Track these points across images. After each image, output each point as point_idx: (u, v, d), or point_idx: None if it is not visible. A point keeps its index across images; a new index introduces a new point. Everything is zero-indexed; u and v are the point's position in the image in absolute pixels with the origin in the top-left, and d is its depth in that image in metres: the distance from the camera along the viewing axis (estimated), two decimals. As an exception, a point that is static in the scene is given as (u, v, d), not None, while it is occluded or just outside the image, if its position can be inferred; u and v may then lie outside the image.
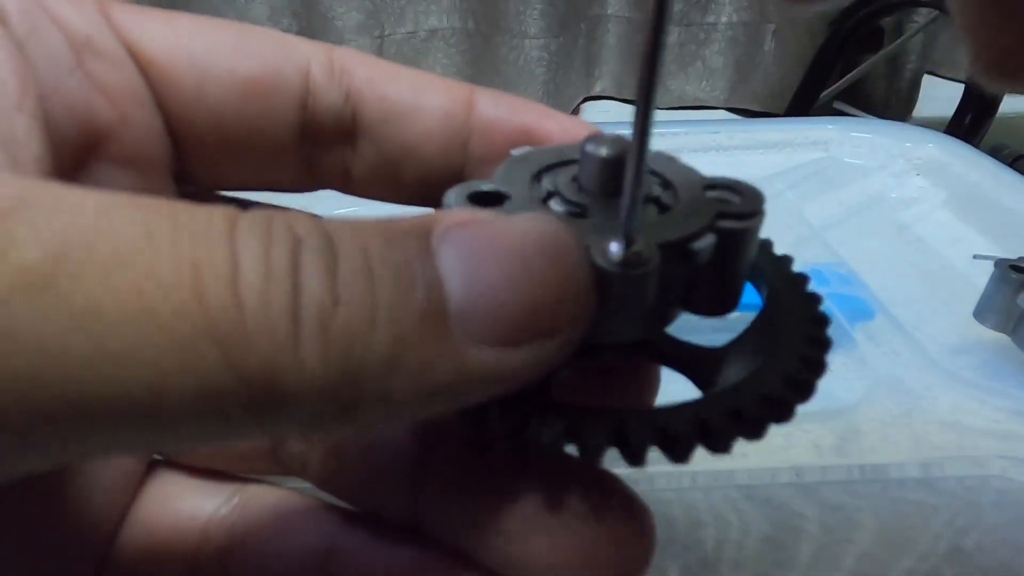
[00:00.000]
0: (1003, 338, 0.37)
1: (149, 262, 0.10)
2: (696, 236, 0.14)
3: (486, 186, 0.15)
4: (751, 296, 0.16)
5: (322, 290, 0.11)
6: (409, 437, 0.16)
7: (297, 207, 0.13)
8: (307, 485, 0.18)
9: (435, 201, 0.18)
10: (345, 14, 0.90)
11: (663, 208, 0.15)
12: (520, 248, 0.12)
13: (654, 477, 0.28)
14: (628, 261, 0.13)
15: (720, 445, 0.13)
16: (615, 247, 0.13)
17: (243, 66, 0.17)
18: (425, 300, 0.11)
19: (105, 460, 0.17)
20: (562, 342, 0.12)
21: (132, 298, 0.10)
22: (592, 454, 0.13)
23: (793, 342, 0.14)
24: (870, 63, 1.14)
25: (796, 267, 0.17)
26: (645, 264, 0.13)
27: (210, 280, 0.10)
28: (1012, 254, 0.38)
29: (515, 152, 0.16)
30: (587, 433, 0.13)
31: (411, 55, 0.95)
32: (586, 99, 1.10)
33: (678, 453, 0.13)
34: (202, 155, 0.17)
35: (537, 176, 0.15)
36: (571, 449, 0.13)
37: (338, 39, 0.91)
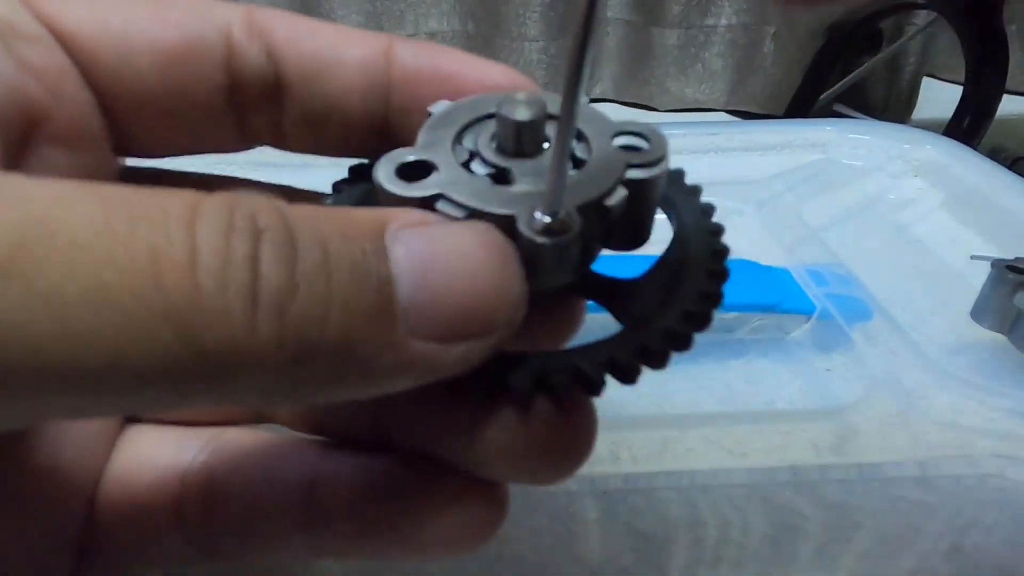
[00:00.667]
0: (1000, 338, 0.37)
1: (107, 249, 0.11)
2: (609, 193, 0.15)
3: (412, 156, 0.16)
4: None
5: (281, 278, 0.12)
6: None
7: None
8: (283, 429, 0.19)
9: (363, 152, 0.19)
10: (345, 17, 0.90)
11: (577, 163, 0.16)
12: (463, 258, 0.13)
13: (653, 477, 0.28)
14: (553, 230, 0.14)
15: (628, 378, 0.15)
16: (540, 217, 0.14)
17: (164, 35, 0.17)
18: (376, 295, 0.13)
19: (67, 421, 0.17)
20: (494, 341, 0.14)
21: (91, 283, 0.10)
22: (522, 396, 0.15)
23: (695, 276, 0.16)
24: (869, 65, 1.14)
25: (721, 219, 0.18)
26: (569, 231, 0.14)
27: (167, 265, 0.11)
28: (1010, 255, 0.38)
29: (434, 109, 0.17)
30: (515, 378, 0.15)
31: (411, 57, 0.95)
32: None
33: (593, 389, 0.15)
34: (136, 126, 0.18)
35: (459, 137, 0.16)
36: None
37: (338, 41, 0.91)
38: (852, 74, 1.13)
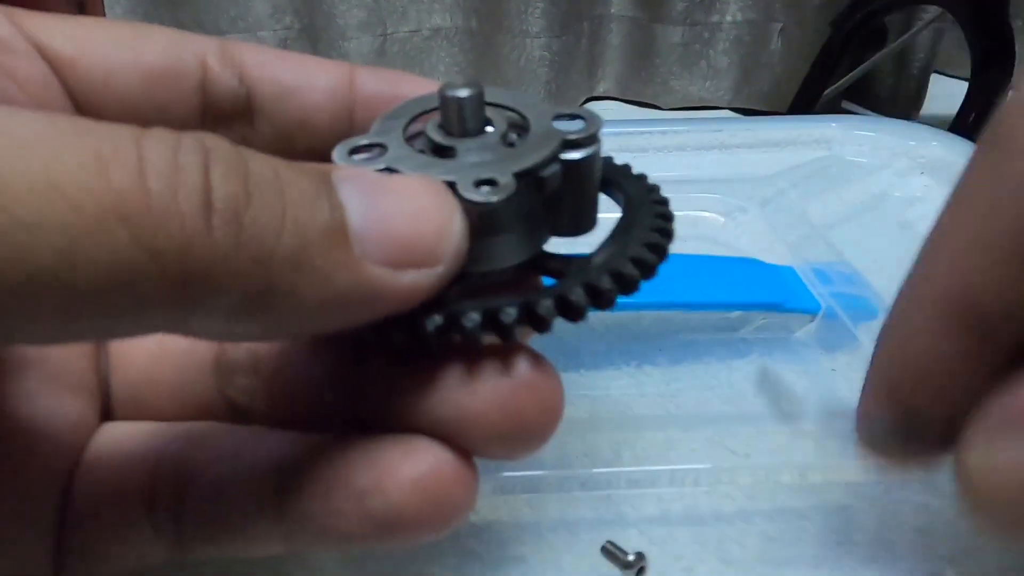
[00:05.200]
0: (1007, 337, 0.36)
1: (54, 149, 0.11)
2: (544, 165, 0.16)
3: (365, 139, 0.17)
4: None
5: (234, 188, 0.12)
6: (338, 349, 0.18)
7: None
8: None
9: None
10: (347, 12, 0.90)
11: (516, 144, 0.17)
12: (407, 193, 0.15)
13: (655, 476, 0.28)
14: (489, 190, 0.16)
15: (577, 317, 0.16)
16: (477, 180, 0.16)
17: (145, 56, 0.19)
18: (329, 216, 0.13)
19: (31, 345, 0.18)
20: (442, 271, 0.15)
21: (39, 177, 0.11)
22: (473, 333, 0.16)
23: (642, 233, 0.17)
24: (874, 60, 1.14)
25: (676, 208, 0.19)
26: (503, 190, 0.16)
27: (115, 167, 0.11)
28: (1017, 253, 0.37)
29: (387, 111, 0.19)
30: (466, 316, 0.15)
31: (413, 53, 0.95)
32: (589, 99, 1.10)
33: (542, 326, 0.16)
34: None
35: (407, 125, 0.18)
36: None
37: (340, 37, 0.91)
38: (856, 70, 1.12)
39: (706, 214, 0.47)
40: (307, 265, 0.13)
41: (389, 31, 0.93)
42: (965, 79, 0.94)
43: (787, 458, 0.29)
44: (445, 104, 0.17)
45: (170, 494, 0.18)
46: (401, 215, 0.14)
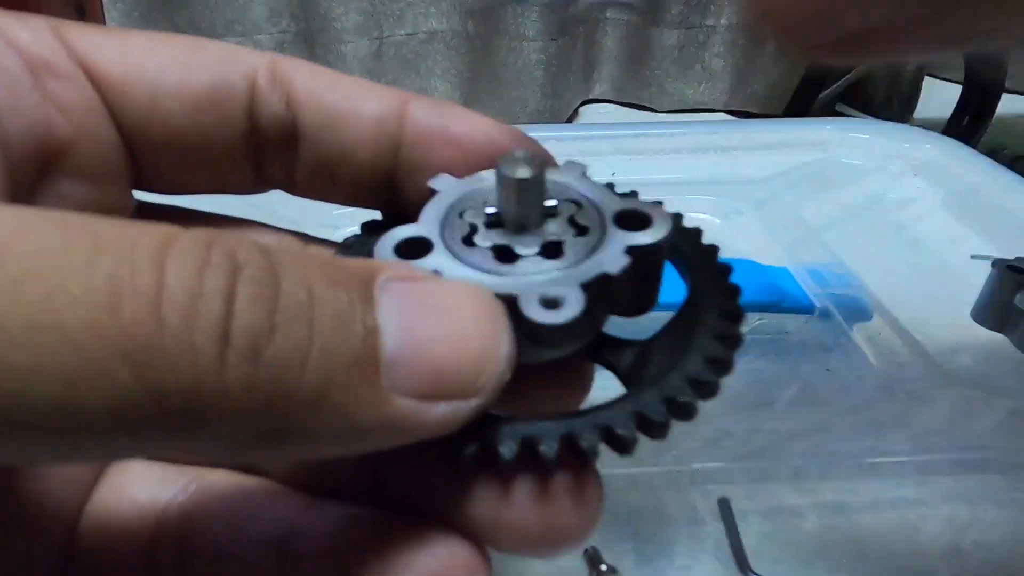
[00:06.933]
0: (1000, 338, 0.37)
1: (62, 276, 0.10)
2: (612, 262, 0.15)
3: (412, 231, 0.16)
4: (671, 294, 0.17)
5: (259, 318, 0.11)
6: None
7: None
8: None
9: (372, 203, 0.19)
10: (344, 15, 0.90)
11: (580, 230, 0.16)
12: (451, 314, 0.13)
13: (652, 476, 0.28)
14: (555, 309, 0.14)
15: (626, 450, 0.14)
16: (543, 298, 0.14)
17: (193, 79, 0.17)
18: (360, 344, 0.12)
19: (23, 466, 0.17)
20: (479, 403, 0.13)
21: (40, 312, 0.10)
22: (510, 465, 0.14)
23: (704, 339, 0.15)
24: (868, 64, 1.14)
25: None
26: (571, 309, 0.14)
27: (127, 296, 0.10)
28: (1010, 254, 0.38)
29: (435, 185, 0.17)
30: (504, 444, 0.14)
31: (410, 57, 0.95)
32: (585, 102, 1.10)
33: (586, 460, 0.14)
34: (157, 164, 0.18)
35: (460, 212, 0.16)
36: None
37: (337, 41, 0.91)
38: (851, 73, 1.13)
39: (702, 216, 0.47)
40: (328, 402, 0.11)
41: (386, 35, 0.93)
42: (959, 83, 0.95)
43: (784, 458, 0.30)
44: (504, 187, 0.15)
45: (172, 550, 0.17)
46: (443, 339, 0.13)
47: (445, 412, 0.13)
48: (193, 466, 0.18)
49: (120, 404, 0.10)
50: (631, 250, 0.15)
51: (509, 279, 0.14)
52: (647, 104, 1.14)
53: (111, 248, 0.10)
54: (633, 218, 0.16)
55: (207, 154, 0.18)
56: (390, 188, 0.19)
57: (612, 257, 0.15)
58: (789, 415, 0.32)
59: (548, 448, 0.14)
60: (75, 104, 0.17)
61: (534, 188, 0.15)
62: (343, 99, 0.18)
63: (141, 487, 0.18)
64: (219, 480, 0.18)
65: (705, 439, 0.30)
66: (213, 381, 0.10)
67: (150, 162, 0.18)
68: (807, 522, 0.28)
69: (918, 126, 0.57)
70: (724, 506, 0.28)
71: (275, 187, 0.20)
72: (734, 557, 0.26)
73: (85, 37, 0.17)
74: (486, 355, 0.13)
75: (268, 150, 0.19)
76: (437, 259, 0.15)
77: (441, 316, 0.13)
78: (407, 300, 0.13)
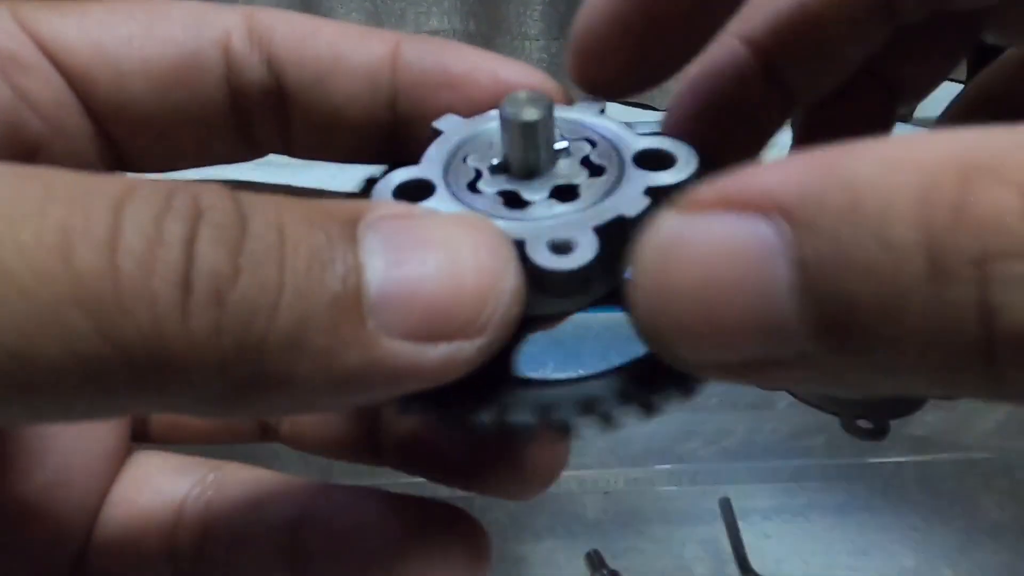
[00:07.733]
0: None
1: (10, 223, 0.10)
2: (630, 203, 0.14)
3: (412, 174, 0.14)
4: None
5: (220, 260, 0.10)
6: None
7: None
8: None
9: (375, 158, 0.18)
10: (346, 16, 0.90)
11: (595, 170, 0.14)
12: (446, 246, 0.12)
13: (653, 476, 0.28)
14: (565, 254, 0.13)
15: (649, 413, 0.13)
16: (551, 242, 0.13)
17: (158, 55, 0.16)
18: (340, 283, 0.11)
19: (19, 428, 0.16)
20: (481, 345, 0.12)
21: None
22: (527, 437, 0.13)
23: None
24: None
25: None
26: (582, 255, 0.13)
27: (80, 243, 0.10)
28: (1011, 254, 0.38)
29: (440, 126, 0.16)
30: (520, 412, 0.13)
31: (412, 56, 0.95)
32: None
33: (609, 426, 0.13)
34: (136, 146, 0.17)
35: (464, 155, 0.15)
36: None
37: (339, 40, 0.91)
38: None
39: (703, 216, 0.47)
40: (306, 346, 0.11)
41: (387, 33, 0.93)
42: (960, 81, 0.95)
43: (786, 457, 0.30)
44: (509, 131, 0.14)
45: (192, 539, 0.18)
46: (435, 275, 0.11)
47: (445, 354, 0.12)
48: (210, 461, 0.19)
49: (82, 355, 0.10)
50: (651, 191, 0.14)
51: (516, 223, 0.13)
52: (648, 102, 1.14)
53: (65, 196, 0.10)
54: (655, 157, 0.14)
55: (185, 131, 0.17)
56: (393, 141, 0.17)
57: (630, 199, 0.14)
58: (789, 415, 0.32)
59: (567, 417, 0.13)
60: (46, 99, 0.16)
61: (542, 131, 0.14)
62: (328, 52, 0.17)
63: (161, 480, 0.18)
64: (235, 472, 0.19)
65: (705, 439, 0.30)
66: (175, 328, 0.10)
67: (129, 145, 0.17)
68: (807, 522, 0.28)
69: (919, 125, 0.57)
70: (725, 506, 0.28)
71: (268, 152, 0.19)
72: (734, 557, 0.26)
73: (46, 20, 0.16)
74: (487, 290, 0.12)
75: (256, 115, 0.17)
76: (439, 203, 0.14)
77: (433, 251, 0.12)
78: (396, 237, 0.12)
